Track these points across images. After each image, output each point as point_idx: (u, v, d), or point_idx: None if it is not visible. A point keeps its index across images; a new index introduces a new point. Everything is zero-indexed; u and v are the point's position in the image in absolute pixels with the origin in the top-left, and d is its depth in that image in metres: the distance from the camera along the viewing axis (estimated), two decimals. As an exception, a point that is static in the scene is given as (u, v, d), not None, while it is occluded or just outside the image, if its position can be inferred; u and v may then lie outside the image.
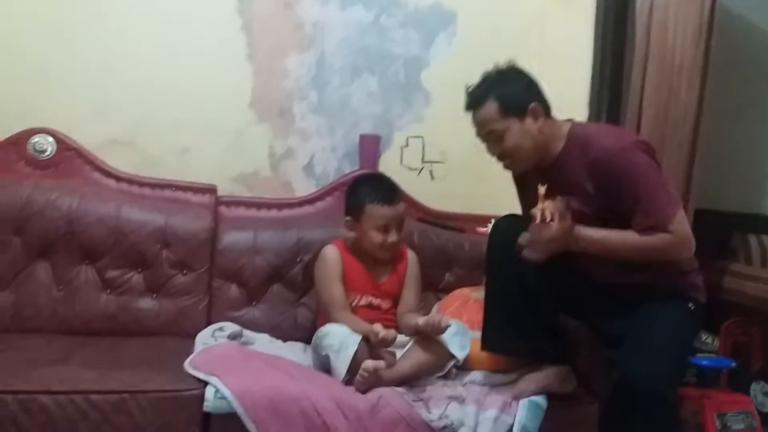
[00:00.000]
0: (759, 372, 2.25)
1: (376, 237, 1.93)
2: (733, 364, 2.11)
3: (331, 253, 1.98)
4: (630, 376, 1.51)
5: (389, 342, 1.75)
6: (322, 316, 1.98)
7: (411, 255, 2.08)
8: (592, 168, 1.64)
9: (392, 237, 1.94)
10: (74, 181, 2.15)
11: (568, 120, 1.78)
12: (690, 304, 1.69)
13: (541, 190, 1.66)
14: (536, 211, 1.63)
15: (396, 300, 2.01)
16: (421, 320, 1.77)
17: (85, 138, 2.25)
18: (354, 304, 1.95)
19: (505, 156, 1.74)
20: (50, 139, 2.20)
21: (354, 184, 2.11)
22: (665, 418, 1.52)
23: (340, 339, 1.75)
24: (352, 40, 2.43)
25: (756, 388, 2.21)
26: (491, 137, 1.72)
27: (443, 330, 1.74)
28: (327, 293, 1.94)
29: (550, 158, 1.73)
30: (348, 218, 1.99)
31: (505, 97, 1.70)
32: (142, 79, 2.29)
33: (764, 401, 2.19)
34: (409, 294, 2.01)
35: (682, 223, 1.62)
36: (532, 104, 1.71)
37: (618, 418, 1.54)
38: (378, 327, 1.76)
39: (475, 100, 1.74)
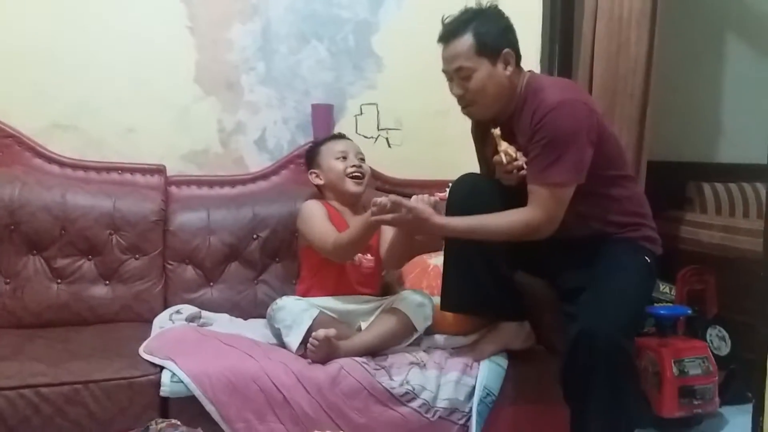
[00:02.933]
0: (715, 318, 2.30)
1: (338, 165, 1.96)
2: (690, 312, 2.16)
3: (313, 203, 1.96)
4: (588, 328, 1.52)
5: (389, 206, 1.64)
6: (305, 275, 1.94)
7: None
8: (532, 120, 1.63)
9: (353, 161, 1.98)
10: (14, 170, 2.07)
11: (528, 71, 1.76)
12: (646, 257, 1.71)
13: (496, 131, 1.68)
14: (500, 156, 1.65)
15: (379, 256, 1.97)
16: (381, 200, 1.67)
17: (24, 123, 2.17)
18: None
19: (467, 98, 1.70)
20: (-14, 126, 2.11)
21: (310, 147, 2.16)
22: (624, 368, 1.54)
23: (294, 315, 1.73)
24: (298, 6, 2.36)
25: (712, 333, 2.26)
26: (458, 74, 1.67)
27: (390, 206, 1.64)
28: (318, 232, 1.86)
29: (508, 110, 1.71)
30: (311, 171, 2.04)
31: (483, 35, 1.65)
32: (81, 58, 2.20)
33: (720, 345, 2.25)
34: (389, 231, 1.93)
35: (558, 200, 1.61)
36: (506, 50, 1.68)
37: (578, 370, 1.55)
38: (376, 199, 1.68)
39: (450, 32, 1.68)
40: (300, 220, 1.96)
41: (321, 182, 2.01)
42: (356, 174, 1.98)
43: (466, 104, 1.71)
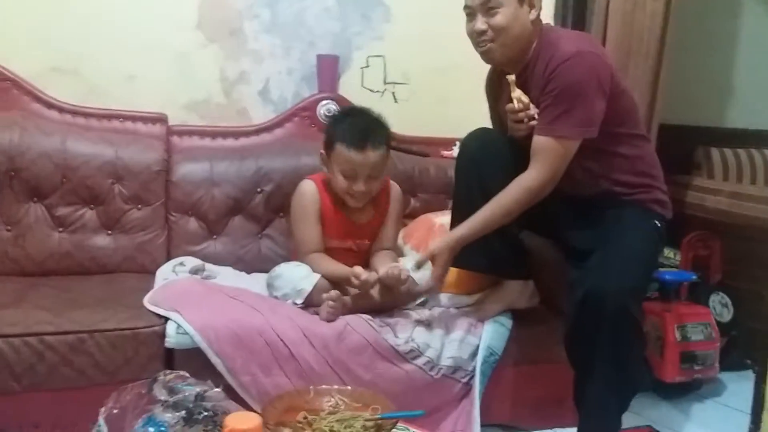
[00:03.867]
0: (718, 284, 2.31)
1: (342, 182, 1.78)
2: (694, 277, 2.16)
3: (309, 190, 1.84)
4: (595, 290, 1.51)
5: (371, 284, 1.69)
6: (296, 250, 1.90)
7: (394, 190, 1.94)
8: (545, 70, 1.60)
9: (358, 186, 1.77)
10: (13, 114, 2.01)
11: (546, 23, 1.72)
12: (656, 221, 1.69)
13: (511, 77, 1.66)
14: (513, 103, 1.64)
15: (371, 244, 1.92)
16: (381, 271, 1.69)
17: (23, 67, 2.10)
18: (330, 246, 1.85)
19: (488, 35, 1.64)
20: (-17, 69, 2.05)
21: (337, 115, 1.97)
22: (630, 331, 1.54)
23: (293, 283, 1.72)
24: (306, -48, 2.27)
25: (715, 299, 2.27)
26: (484, 8, 1.62)
27: (403, 282, 1.68)
28: (301, 234, 1.83)
29: (523, 59, 1.67)
30: (322, 151, 1.84)
31: None
32: (82, 2, 2.12)
33: (722, 312, 2.26)
34: (387, 230, 1.90)
35: (562, 155, 1.59)
36: None
37: (583, 332, 1.55)
38: (359, 269, 1.69)
39: None
40: (292, 203, 1.88)
41: (325, 171, 1.85)
42: (359, 197, 1.81)
43: (486, 42, 1.65)
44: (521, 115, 1.65)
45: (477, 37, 1.66)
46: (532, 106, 1.65)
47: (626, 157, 1.69)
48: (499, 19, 1.61)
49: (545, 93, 1.60)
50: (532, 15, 1.65)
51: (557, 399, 1.69)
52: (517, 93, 1.65)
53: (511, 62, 1.68)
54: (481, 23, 1.64)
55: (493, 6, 1.61)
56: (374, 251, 1.89)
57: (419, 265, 1.66)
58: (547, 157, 1.59)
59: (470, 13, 1.66)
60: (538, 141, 1.61)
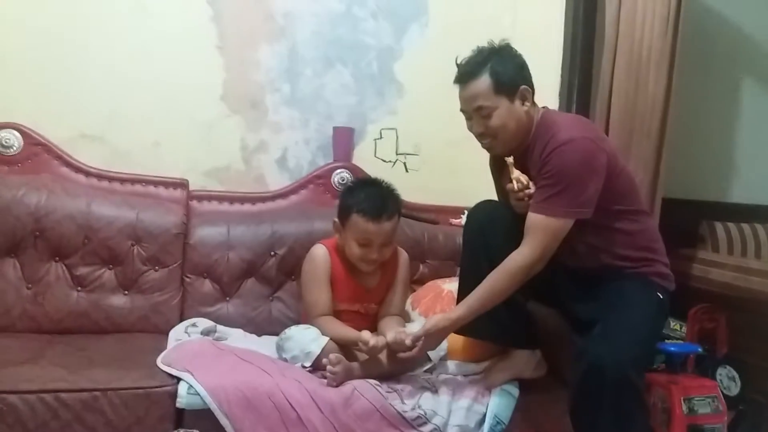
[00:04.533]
0: (725, 357, 2.30)
1: (356, 250, 1.85)
2: (700, 350, 2.16)
3: (321, 254, 1.91)
4: (598, 361, 1.54)
5: (379, 350, 1.72)
6: (305, 313, 1.95)
7: (402, 257, 2.00)
8: (542, 153, 1.67)
9: (372, 254, 1.84)
10: (42, 177, 2.12)
11: (543, 107, 1.80)
12: (658, 293, 1.73)
13: (509, 159, 1.74)
14: (512, 183, 1.71)
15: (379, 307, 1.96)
16: (389, 336, 1.72)
17: (53, 132, 2.21)
18: (339, 309, 1.90)
19: (487, 135, 1.73)
20: (17, 134, 2.16)
21: (351, 185, 2.05)
22: (633, 402, 1.56)
23: (302, 345, 1.76)
24: (324, 31, 2.42)
25: (722, 372, 2.26)
26: (478, 113, 1.71)
27: (409, 349, 1.71)
28: (311, 297, 1.89)
29: (524, 143, 1.75)
30: (336, 220, 1.91)
31: (500, 74, 1.69)
32: (112, 72, 2.26)
33: (730, 385, 2.24)
34: (394, 296, 1.95)
35: (553, 233, 1.64)
36: (523, 86, 1.72)
37: (587, 403, 1.57)
38: (367, 335, 1.73)
39: (468, 73, 1.72)
40: (303, 267, 1.94)
41: (338, 239, 1.92)
42: (372, 264, 1.88)
43: (487, 140, 1.76)
44: (521, 194, 1.73)
45: (477, 137, 1.76)
46: (531, 184, 1.72)
47: (627, 232, 1.74)
48: (495, 121, 1.70)
49: (541, 175, 1.67)
50: (526, 106, 1.72)
51: (564, 470, 1.67)
52: (515, 174, 1.73)
53: (513, 151, 1.76)
54: (478, 126, 1.73)
55: (487, 111, 1.70)
56: (382, 316, 1.93)
57: (415, 341, 1.68)
58: (538, 235, 1.65)
59: (467, 117, 1.76)
60: (532, 218, 1.67)
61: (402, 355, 1.72)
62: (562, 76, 2.55)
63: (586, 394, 1.57)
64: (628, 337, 1.59)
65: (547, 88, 2.51)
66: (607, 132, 2.33)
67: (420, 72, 2.47)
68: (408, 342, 1.69)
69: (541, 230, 1.65)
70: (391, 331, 1.76)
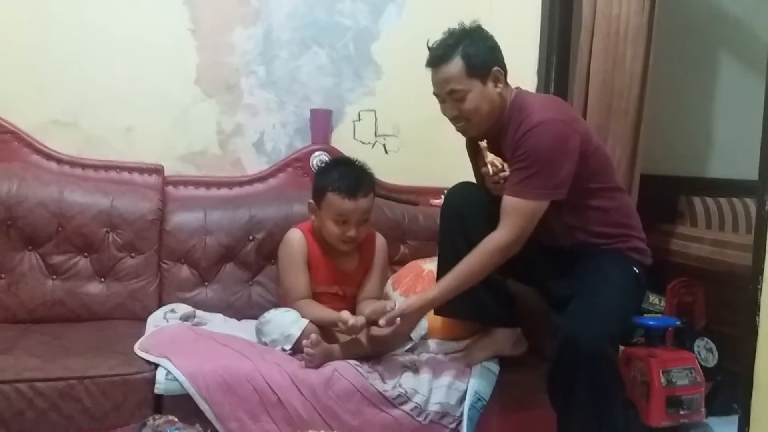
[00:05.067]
0: (703, 329, 2.34)
1: (333, 229, 1.85)
2: (678, 323, 2.19)
3: (297, 238, 1.90)
4: (572, 337, 1.55)
5: (359, 329, 1.72)
6: (284, 298, 1.94)
7: (379, 241, 2.00)
8: (514, 136, 1.67)
9: (350, 232, 1.84)
10: (13, 165, 2.08)
11: (516, 88, 1.79)
12: (634, 268, 1.74)
13: (483, 143, 1.73)
14: (487, 167, 1.70)
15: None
16: (367, 311, 1.73)
17: (24, 120, 2.17)
18: (318, 291, 1.90)
19: (461, 118, 1.73)
20: (-15, 121, 2.11)
21: (323, 165, 2.05)
22: (608, 376, 1.57)
23: (281, 330, 1.75)
24: (300, 13, 2.38)
25: (700, 344, 2.29)
26: (451, 97, 1.70)
27: (388, 312, 1.68)
28: (289, 281, 1.89)
29: (497, 125, 1.74)
30: (311, 201, 1.91)
31: (472, 57, 1.67)
32: (82, 57, 2.21)
33: (707, 357, 2.28)
34: (372, 280, 1.95)
35: (529, 215, 1.64)
36: (495, 68, 1.71)
37: (562, 376, 1.58)
38: (346, 314, 1.72)
39: (439, 56, 1.70)
40: (279, 252, 1.94)
41: (314, 220, 1.92)
42: (350, 242, 1.88)
43: (461, 123, 1.75)
44: (495, 178, 1.73)
45: (451, 120, 1.75)
46: (506, 166, 1.72)
47: (602, 209, 1.74)
48: (468, 104, 1.69)
49: (515, 157, 1.67)
50: (498, 88, 1.71)
51: (544, 445, 1.69)
52: (489, 158, 1.73)
53: (487, 132, 1.76)
54: (451, 109, 1.72)
55: (460, 94, 1.69)
56: (360, 300, 1.92)
57: (390, 322, 1.67)
58: (514, 218, 1.65)
59: (440, 100, 1.75)
60: (507, 201, 1.66)
61: (376, 331, 1.71)
62: (540, 54, 2.54)
63: (561, 370, 1.58)
64: (602, 312, 1.60)
65: (526, 67, 2.51)
66: (585, 110, 2.33)
67: (398, 53, 2.45)
68: (382, 322, 1.67)
69: (516, 213, 1.65)
70: (368, 307, 1.75)
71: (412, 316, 1.71)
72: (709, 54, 3.04)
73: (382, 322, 1.67)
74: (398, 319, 1.67)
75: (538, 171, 1.62)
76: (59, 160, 2.16)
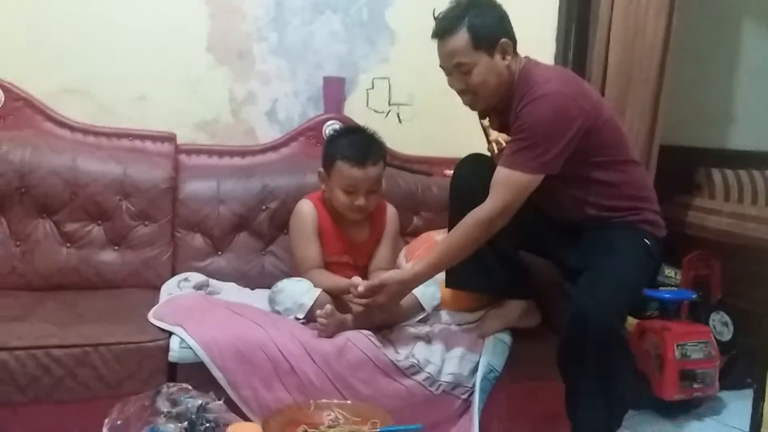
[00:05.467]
0: (718, 303, 2.32)
1: (342, 198, 1.84)
2: (694, 296, 2.17)
3: (307, 209, 1.90)
4: (581, 311, 1.54)
5: (372, 291, 1.68)
6: (296, 268, 1.93)
7: (390, 211, 2.00)
8: (517, 107, 1.63)
9: (359, 201, 1.83)
10: (26, 133, 2.06)
11: (525, 57, 1.74)
12: (645, 240, 1.70)
13: (484, 122, 1.70)
14: (491, 145, 1.68)
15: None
16: (383, 276, 1.70)
17: (36, 87, 2.15)
18: (329, 261, 1.90)
19: (468, 92, 1.69)
20: (-2, 89, 2.10)
21: (334, 134, 2.02)
22: (615, 347, 1.56)
23: (294, 297, 1.75)
24: (312, -22, 2.33)
25: (715, 318, 2.27)
26: (458, 70, 1.66)
27: (359, 295, 1.67)
28: (301, 252, 1.88)
29: (507, 98, 1.70)
30: (321, 170, 1.90)
31: (478, 29, 1.63)
32: (95, 25, 2.18)
33: (723, 331, 2.26)
34: (383, 251, 1.94)
35: (517, 189, 1.59)
36: (503, 39, 1.66)
37: (572, 349, 1.57)
38: (357, 279, 1.72)
39: (444, 28, 1.66)
40: (291, 223, 1.94)
41: (325, 190, 1.90)
42: (360, 211, 1.86)
43: (468, 97, 1.71)
44: (500, 155, 1.68)
45: (458, 93, 1.71)
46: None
47: (612, 184, 1.70)
48: (475, 77, 1.65)
49: (514, 128, 1.63)
50: (507, 60, 1.66)
51: (555, 416, 1.69)
52: (494, 136, 1.69)
53: (495, 106, 1.72)
54: (458, 83, 1.68)
55: (466, 67, 1.64)
56: (372, 270, 1.92)
57: (372, 291, 1.66)
58: (501, 190, 1.61)
59: (447, 72, 1.70)
60: (498, 172, 1.63)
61: (355, 300, 1.68)
62: (559, 23, 2.48)
63: (570, 344, 1.58)
64: (611, 286, 1.57)
65: (544, 36, 2.45)
66: (604, 79, 2.28)
67: (412, 18, 2.38)
68: (360, 288, 1.65)
69: (504, 185, 1.61)
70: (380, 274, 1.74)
71: (393, 289, 1.67)
72: (732, 23, 2.96)
73: (360, 288, 1.65)
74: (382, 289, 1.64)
75: (533, 143, 1.58)
76: (72, 128, 2.15)
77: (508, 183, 1.60)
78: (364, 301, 1.68)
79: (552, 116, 1.58)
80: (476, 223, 1.62)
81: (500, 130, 1.73)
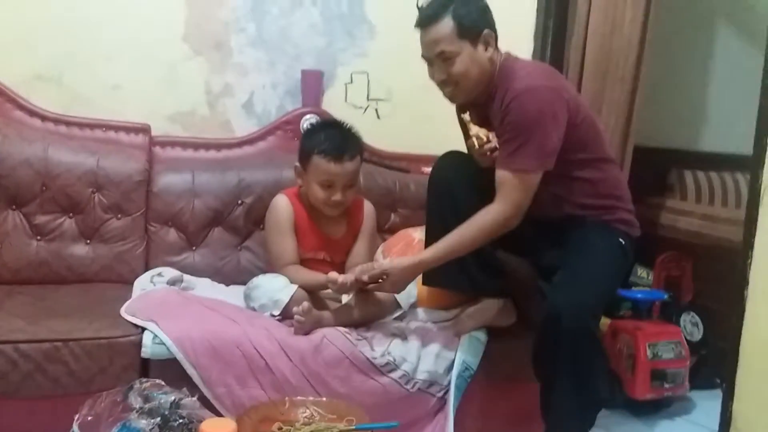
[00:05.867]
0: (689, 304, 2.36)
1: (319, 192, 1.83)
2: (666, 297, 2.20)
3: (283, 204, 1.88)
4: (555, 310, 1.56)
5: (349, 287, 1.70)
6: (272, 264, 1.92)
7: (368, 207, 2.00)
8: (501, 104, 1.64)
9: (336, 196, 1.82)
10: (-6, 121, 2.02)
11: (505, 53, 1.75)
12: (620, 239, 1.73)
13: (465, 116, 1.70)
14: (472, 140, 1.67)
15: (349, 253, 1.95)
16: (356, 270, 1.70)
17: (7, 74, 2.10)
18: (305, 258, 1.88)
19: (449, 82, 1.68)
20: (-35, 75, 2.04)
21: (310, 128, 2.01)
22: (589, 346, 1.58)
23: (270, 295, 1.74)
24: (292, -32, 2.31)
25: (686, 318, 2.32)
26: (440, 59, 1.66)
27: (373, 278, 1.67)
28: (276, 248, 1.87)
29: (485, 93, 1.71)
30: (297, 164, 1.88)
31: (463, 18, 1.63)
32: (68, 10, 2.13)
33: (693, 331, 2.31)
34: (360, 247, 1.94)
35: (525, 187, 1.61)
36: (486, 30, 1.66)
37: (546, 347, 1.59)
38: (334, 274, 1.70)
39: (429, 16, 1.66)
40: (266, 218, 1.93)
41: (301, 184, 1.89)
42: (336, 206, 1.86)
43: (449, 88, 1.70)
44: (482, 150, 1.70)
45: (438, 84, 1.70)
46: (492, 137, 1.68)
47: (589, 180, 1.72)
48: (457, 67, 1.64)
49: (502, 126, 1.64)
50: (489, 52, 1.67)
51: (530, 414, 1.70)
52: (474, 131, 1.69)
53: (475, 100, 1.72)
54: (440, 73, 1.67)
55: (449, 56, 1.64)
56: (348, 267, 1.91)
57: (372, 279, 1.66)
58: (510, 192, 1.62)
59: (428, 63, 1.70)
60: (500, 175, 1.63)
61: (363, 278, 1.66)
62: (537, 18, 2.48)
63: (545, 343, 1.60)
64: (584, 285, 1.59)
65: (523, 32, 2.46)
66: (581, 76, 2.29)
67: (392, 12, 2.37)
68: (365, 277, 1.65)
69: (511, 186, 1.62)
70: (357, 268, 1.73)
71: (397, 275, 1.67)
72: (707, 25, 3.00)
73: (365, 277, 1.65)
74: (384, 276, 1.65)
75: (527, 140, 1.59)
76: (43, 117, 2.10)
77: (515, 184, 1.61)
78: (372, 286, 1.67)
79: (538, 109, 1.59)
80: (493, 224, 1.62)
81: (479, 125, 1.74)
